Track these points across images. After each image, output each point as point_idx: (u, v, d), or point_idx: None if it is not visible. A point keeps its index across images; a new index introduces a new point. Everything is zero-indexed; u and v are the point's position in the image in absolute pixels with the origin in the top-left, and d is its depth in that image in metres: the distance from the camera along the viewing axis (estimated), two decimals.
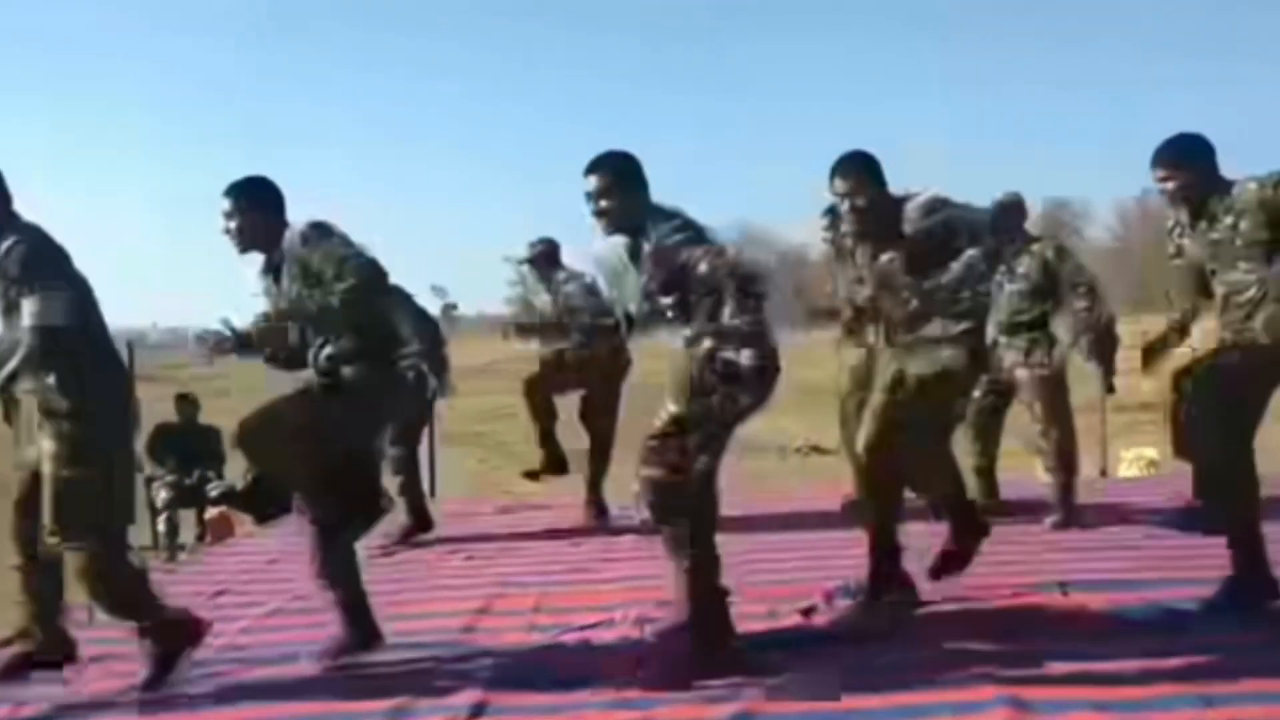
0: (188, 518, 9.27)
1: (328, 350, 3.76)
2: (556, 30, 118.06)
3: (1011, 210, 5.66)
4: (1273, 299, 3.85)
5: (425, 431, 6.86)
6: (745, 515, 5.63)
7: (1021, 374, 5.61)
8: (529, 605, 4.58)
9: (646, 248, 3.50)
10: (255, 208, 3.83)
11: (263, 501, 3.98)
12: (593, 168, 3.61)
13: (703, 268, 3.38)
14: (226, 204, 3.84)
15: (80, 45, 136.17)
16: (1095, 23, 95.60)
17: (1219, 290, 3.99)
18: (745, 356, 3.35)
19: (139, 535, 9.09)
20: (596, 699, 3.43)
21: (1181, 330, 4.30)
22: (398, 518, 5.65)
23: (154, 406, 9.46)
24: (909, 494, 4.26)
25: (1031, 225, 5.90)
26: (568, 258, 6.27)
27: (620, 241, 3.65)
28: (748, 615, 3.98)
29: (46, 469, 3.50)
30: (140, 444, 6.51)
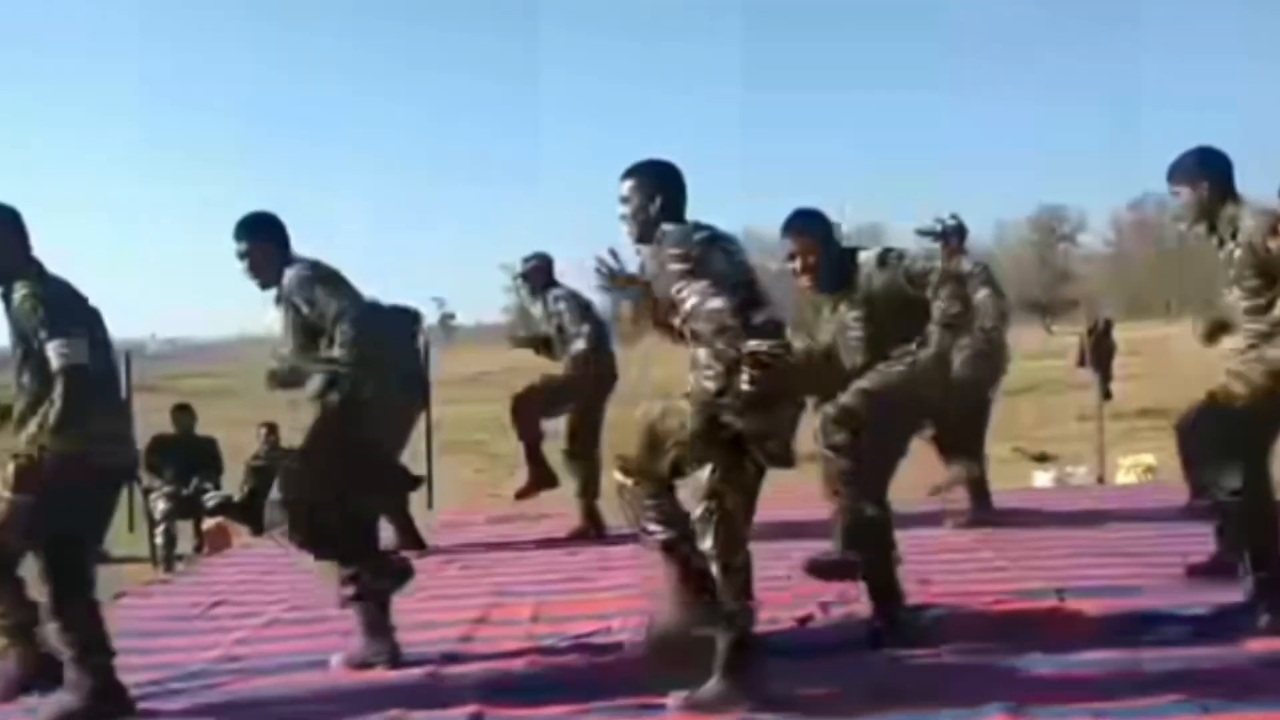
0: (185, 528, 9.24)
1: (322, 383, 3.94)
2: (556, 31, 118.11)
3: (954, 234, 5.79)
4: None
5: (423, 442, 6.85)
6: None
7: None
8: (526, 615, 4.58)
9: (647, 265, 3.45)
10: (262, 243, 4.05)
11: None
12: (626, 174, 3.52)
13: (686, 307, 3.24)
14: (235, 244, 4.06)
15: (75, 48, 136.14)
16: (1093, 29, 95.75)
17: (1234, 297, 3.99)
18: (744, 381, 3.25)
19: (137, 546, 9.17)
20: (595, 708, 3.43)
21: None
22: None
23: (152, 417, 9.47)
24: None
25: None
26: (561, 270, 6.31)
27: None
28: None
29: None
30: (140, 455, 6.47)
